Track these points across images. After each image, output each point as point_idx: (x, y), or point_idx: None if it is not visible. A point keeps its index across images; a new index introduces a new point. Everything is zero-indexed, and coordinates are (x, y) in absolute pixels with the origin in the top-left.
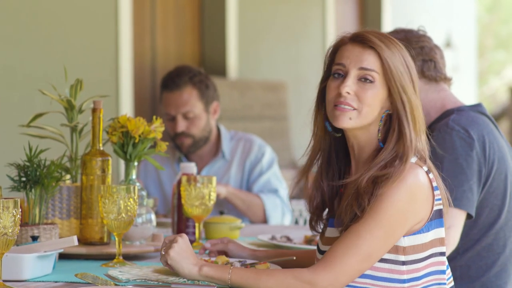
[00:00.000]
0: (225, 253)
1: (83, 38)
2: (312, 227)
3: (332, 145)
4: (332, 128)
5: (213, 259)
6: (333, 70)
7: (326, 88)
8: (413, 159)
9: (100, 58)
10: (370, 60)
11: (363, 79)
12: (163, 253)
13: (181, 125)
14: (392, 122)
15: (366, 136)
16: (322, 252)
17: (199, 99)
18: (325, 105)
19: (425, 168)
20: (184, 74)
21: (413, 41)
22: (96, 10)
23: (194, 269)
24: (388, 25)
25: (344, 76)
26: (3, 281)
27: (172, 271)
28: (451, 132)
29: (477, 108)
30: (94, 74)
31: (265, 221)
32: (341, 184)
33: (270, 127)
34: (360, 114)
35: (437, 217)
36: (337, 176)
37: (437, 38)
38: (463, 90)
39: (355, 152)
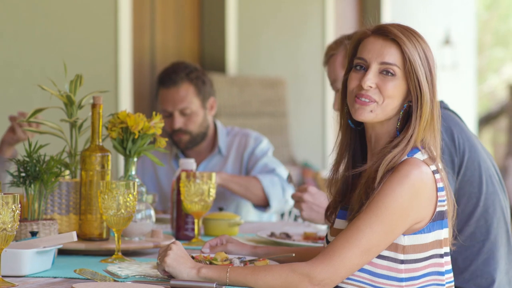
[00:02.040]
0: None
1: (83, 33)
2: (327, 217)
3: (357, 138)
4: (354, 123)
5: (212, 255)
6: (355, 63)
7: (348, 79)
8: (423, 157)
9: (100, 53)
10: (391, 54)
11: (385, 72)
12: (159, 262)
13: (179, 122)
14: (411, 113)
15: (384, 128)
16: (329, 243)
17: (196, 95)
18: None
19: (433, 168)
20: (180, 70)
21: None
22: (96, 5)
23: (192, 271)
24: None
25: (365, 69)
26: (3, 276)
27: (168, 277)
28: None
29: (441, 104)
30: (93, 70)
31: (266, 200)
32: (357, 175)
33: (269, 124)
34: (381, 106)
35: (439, 219)
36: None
37: (436, 35)
38: (462, 87)
39: (372, 143)
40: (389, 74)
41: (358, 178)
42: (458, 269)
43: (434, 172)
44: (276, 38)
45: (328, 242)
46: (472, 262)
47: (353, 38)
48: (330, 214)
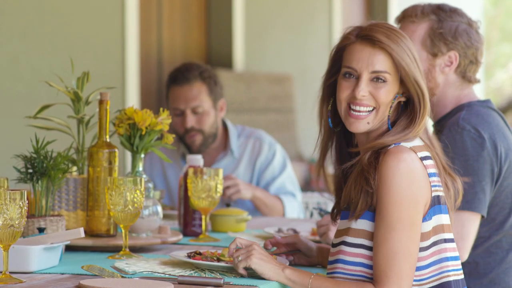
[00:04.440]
0: (295, 244)
1: (90, 30)
2: (333, 218)
3: (341, 134)
4: (333, 124)
5: (219, 251)
6: (344, 71)
7: (338, 86)
8: (409, 145)
9: (107, 50)
10: (381, 62)
11: (375, 79)
12: (240, 258)
13: (190, 120)
14: (407, 108)
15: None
16: (333, 245)
17: (208, 95)
18: (332, 101)
19: (420, 154)
20: (193, 69)
21: (473, 38)
22: (103, 2)
23: (278, 270)
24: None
25: (356, 77)
26: (10, 272)
27: (246, 275)
28: (462, 132)
29: (486, 103)
30: (100, 67)
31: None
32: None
33: (276, 120)
34: (378, 112)
35: (436, 204)
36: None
37: None
38: None
39: (363, 137)
40: (380, 80)
41: (350, 174)
42: (477, 274)
43: (422, 159)
44: (283, 34)
45: (332, 244)
46: (493, 270)
47: (337, 43)
48: (336, 216)
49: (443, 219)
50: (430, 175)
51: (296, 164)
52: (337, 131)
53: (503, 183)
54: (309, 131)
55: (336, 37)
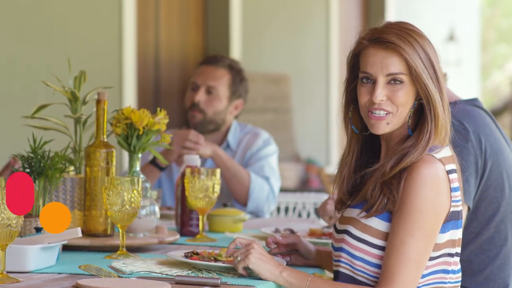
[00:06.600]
0: (295, 245)
1: (87, 29)
2: (337, 208)
3: (368, 138)
4: (358, 129)
5: (216, 251)
6: (361, 76)
7: (357, 92)
8: (439, 155)
9: (104, 49)
10: (395, 64)
11: (392, 82)
12: (239, 259)
13: (200, 96)
14: (423, 112)
15: (398, 129)
16: (337, 231)
17: (228, 86)
18: (353, 107)
19: (448, 167)
20: (225, 58)
21: None
22: (100, 1)
23: (276, 270)
24: (391, 19)
25: (373, 81)
26: (7, 272)
27: (246, 275)
28: None
29: (472, 102)
30: (97, 66)
31: (245, 200)
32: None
33: (272, 120)
34: (396, 115)
35: (454, 219)
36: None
37: (440, 32)
38: (466, 84)
39: (385, 141)
40: (397, 82)
41: (368, 176)
42: (472, 272)
43: (449, 172)
44: (280, 35)
45: (335, 229)
46: (487, 266)
47: (352, 49)
48: (341, 206)
49: (457, 234)
50: (453, 189)
51: (292, 164)
52: (365, 135)
53: (490, 177)
54: (306, 131)
55: (334, 38)
